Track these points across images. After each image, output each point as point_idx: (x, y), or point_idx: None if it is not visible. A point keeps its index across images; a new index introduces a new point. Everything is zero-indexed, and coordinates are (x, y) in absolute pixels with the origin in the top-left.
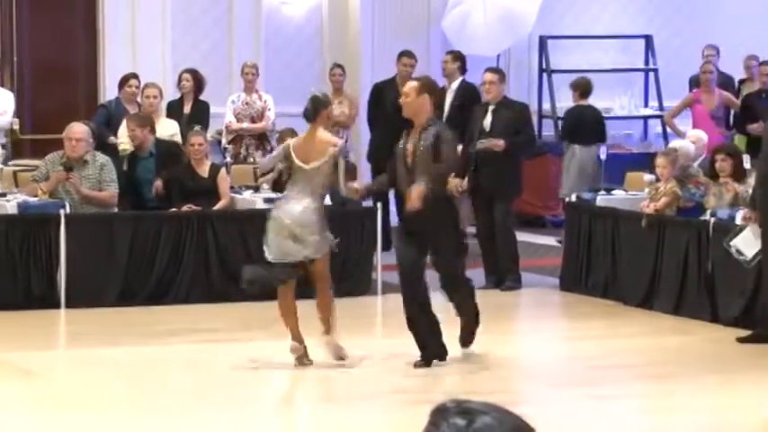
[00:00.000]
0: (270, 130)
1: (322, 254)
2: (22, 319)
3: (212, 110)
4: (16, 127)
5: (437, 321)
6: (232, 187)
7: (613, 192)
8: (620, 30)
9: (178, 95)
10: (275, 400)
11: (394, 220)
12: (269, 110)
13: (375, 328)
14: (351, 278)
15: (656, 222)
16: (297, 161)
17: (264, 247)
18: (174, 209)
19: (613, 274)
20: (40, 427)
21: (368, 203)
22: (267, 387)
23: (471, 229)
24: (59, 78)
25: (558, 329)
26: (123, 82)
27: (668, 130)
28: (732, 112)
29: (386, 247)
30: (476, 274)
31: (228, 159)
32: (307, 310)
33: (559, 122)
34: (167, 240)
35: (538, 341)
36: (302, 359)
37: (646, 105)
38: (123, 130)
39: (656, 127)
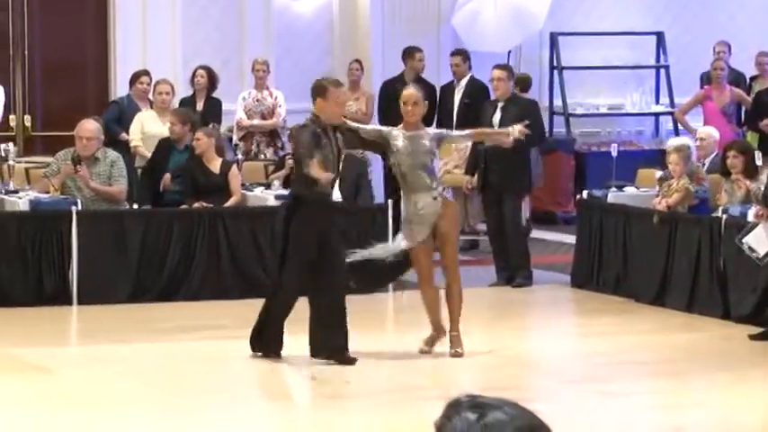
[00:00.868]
0: (281, 126)
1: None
2: (34, 316)
3: (223, 107)
4: (28, 124)
5: None
6: (243, 184)
7: (625, 189)
8: (631, 26)
9: (188, 92)
10: (287, 397)
11: None
12: (279, 106)
13: (387, 323)
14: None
15: (667, 219)
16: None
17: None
18: (185, 206)
19: (625, 270)
20: (51, 423)
21: (379, 200)
22: (278, 384)
23: (482, 226)
24: (70, 75)
25: (570, 326)
26: (134, 79)
27: (679, 126)
28: (743, 108)
29: None
30: (487, 271)
31: (240, 156)
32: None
33: (570, 119)
34: (179, 237)
35: (549, 338)
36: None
37: (657, 102)
38: (135, 126)
39: (667, 124)
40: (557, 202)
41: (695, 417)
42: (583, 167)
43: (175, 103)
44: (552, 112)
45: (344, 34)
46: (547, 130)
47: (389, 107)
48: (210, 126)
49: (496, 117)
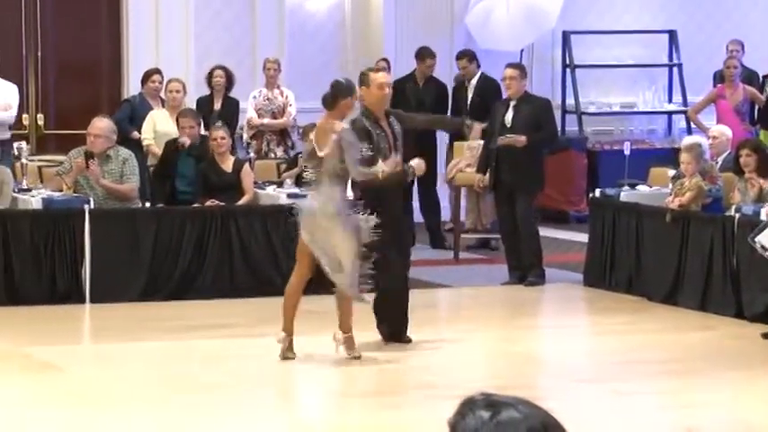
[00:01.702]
0: (291, 125)
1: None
2: (47, 314)
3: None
4: (41, 122)
5: None
6: (255, 182)
7: (637, 187)
8: (644, 25)
9: (200, 92)
10: (301, 396)
11: (417, 216)
12: (290, 105)
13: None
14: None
15: (680, 218)
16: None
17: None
18: (197, 204)
19: (637, 269)
20: (64, 421)
21: None
22: (291, 382)
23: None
24: (83, 74)
25: (582, 325)
26: (146, 77)
27: (692, 125)
28: (756, 107)
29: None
30: (499, 270)
31: (252, 155)
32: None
33: (583, 117)
34: (191, 235)
35: (561, 336)
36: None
37: (670, 101)
38: (147, 125)
39: (680, 122)
40: (569, 201)
41: (708, 415)
42: (595, 166)
43: (187, 102)
44: (565, 111)
45: (357, 33)
46: (559, 128)
47: (399, 104)
48: (219, 124)
49: (509, 116)
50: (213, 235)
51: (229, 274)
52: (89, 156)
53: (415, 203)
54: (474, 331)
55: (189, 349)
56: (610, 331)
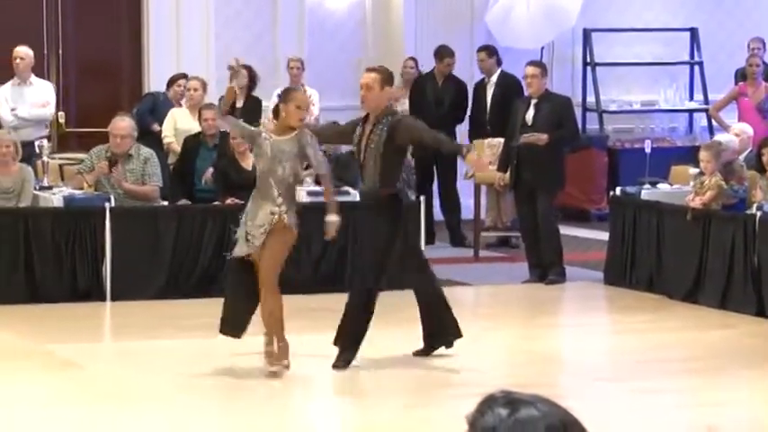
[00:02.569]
0: (313, 125)
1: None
2: (68, 312)
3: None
4: (62, 120)
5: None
6: None
7: (658, 185)
8: (665, 23)
9: (220, 91)
10: (323, 395)
11: (438, 214)
12: (313, 104)
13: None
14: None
15: (701, 216)
16: None
17: None
18: (218, 202)
19: (658, 267)
20: (85, 418)
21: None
22: (315, 381)
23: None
24: (104, 72)
25: (603, 323)
26: (172, 82)
27: (714, 123)
28: None
29: (429, 241)
30: (520, 268)
31: None
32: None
33: (604, 115)
34: (211, 233)
35: (582, 335)
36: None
37: (691, 99)
38: (168, 123)
39: (701, 120)
40: (590, 199)
41: (728, 414)
42: (616, 164)
43: (207, 101)
44: (585, 109)
45: (377, 32)
46: (580, 126)
47: (418, 103)
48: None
49: (530, 114)
50: (234, 233)
51: None
52: (112, 161)
53: (435, 201)
54: (494, 329)
55: (209, 347)
56: (630, 330)
